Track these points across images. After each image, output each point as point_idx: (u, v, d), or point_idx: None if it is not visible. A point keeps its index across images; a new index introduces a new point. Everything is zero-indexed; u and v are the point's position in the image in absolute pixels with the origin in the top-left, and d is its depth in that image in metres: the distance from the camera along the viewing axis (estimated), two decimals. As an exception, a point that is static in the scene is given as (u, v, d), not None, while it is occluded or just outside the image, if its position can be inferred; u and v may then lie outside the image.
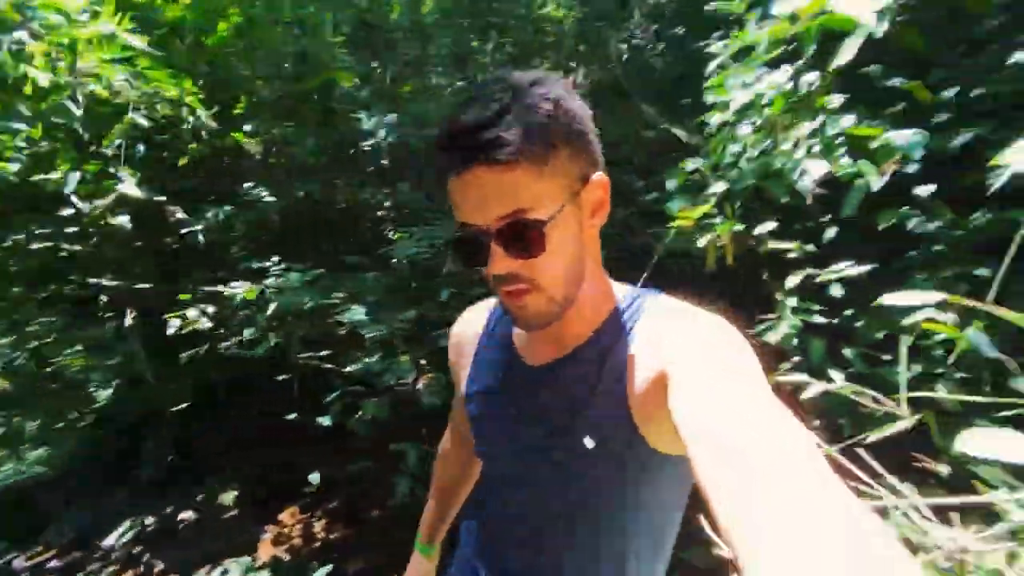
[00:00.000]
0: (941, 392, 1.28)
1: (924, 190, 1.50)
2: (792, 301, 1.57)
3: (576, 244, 0.61)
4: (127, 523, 3.09)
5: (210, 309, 2.14)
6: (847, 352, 1.54)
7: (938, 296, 0.85)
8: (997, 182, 1.09)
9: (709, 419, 0.47)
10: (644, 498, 0.66)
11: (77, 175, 1.95)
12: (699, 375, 0.52)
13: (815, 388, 1.10)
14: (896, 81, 1.53)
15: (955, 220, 1.52)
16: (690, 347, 0.56)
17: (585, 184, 0.60)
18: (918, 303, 0.96)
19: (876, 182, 1.25)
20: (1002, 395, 0.93)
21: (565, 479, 0.67)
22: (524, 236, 0.56)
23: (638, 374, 0.61)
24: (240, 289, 2.05)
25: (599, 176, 0.61)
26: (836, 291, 1.54)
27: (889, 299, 0.91)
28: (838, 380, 1.27)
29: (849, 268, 1.48)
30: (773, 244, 1.58)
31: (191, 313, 2.11)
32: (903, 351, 0.92)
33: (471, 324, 0.84)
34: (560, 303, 0.62)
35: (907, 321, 1.24)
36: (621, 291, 0.70)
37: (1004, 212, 1.42)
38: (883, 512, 0.80)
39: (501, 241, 0.57)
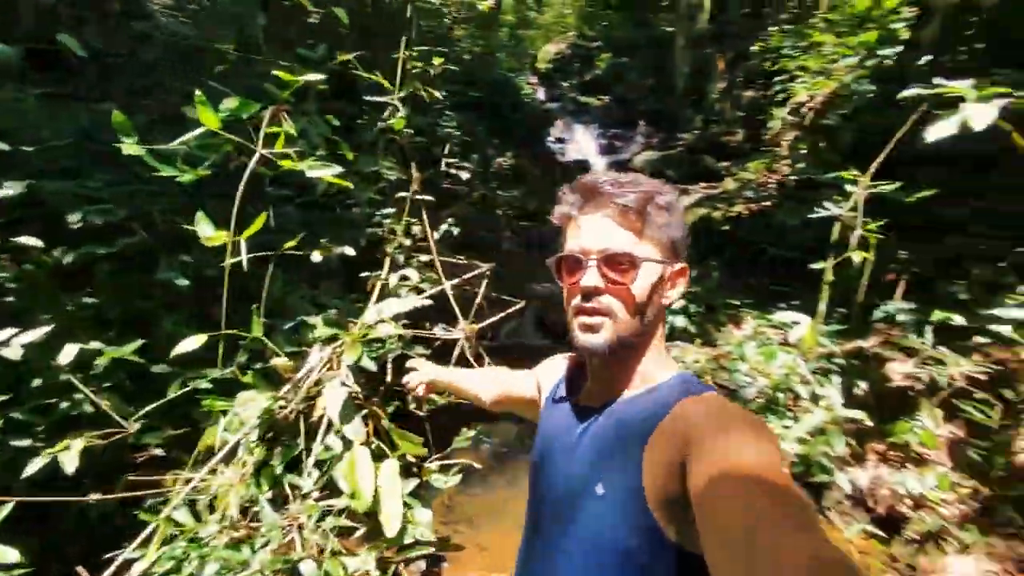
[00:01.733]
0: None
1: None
2: None
3: (650, 298, 0.74)
4: None
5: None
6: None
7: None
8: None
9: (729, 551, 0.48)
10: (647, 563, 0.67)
11: None
12: (713, 470, 0.55)
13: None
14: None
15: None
16: (716, 439, 0.59)
17: (671, 263, 0.76)
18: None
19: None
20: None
21: (577, 512, 0.73)
22: (618, 263, 0.72)
23: (660, 445, 0.66)
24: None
25: (683, 264, 0.78)
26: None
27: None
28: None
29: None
30: None
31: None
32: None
33: (555, 367, 1.00)
34: (622, 338, 0.73)
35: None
36: (675, 368, 0.79)
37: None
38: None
39: (600, 264, 0.73)
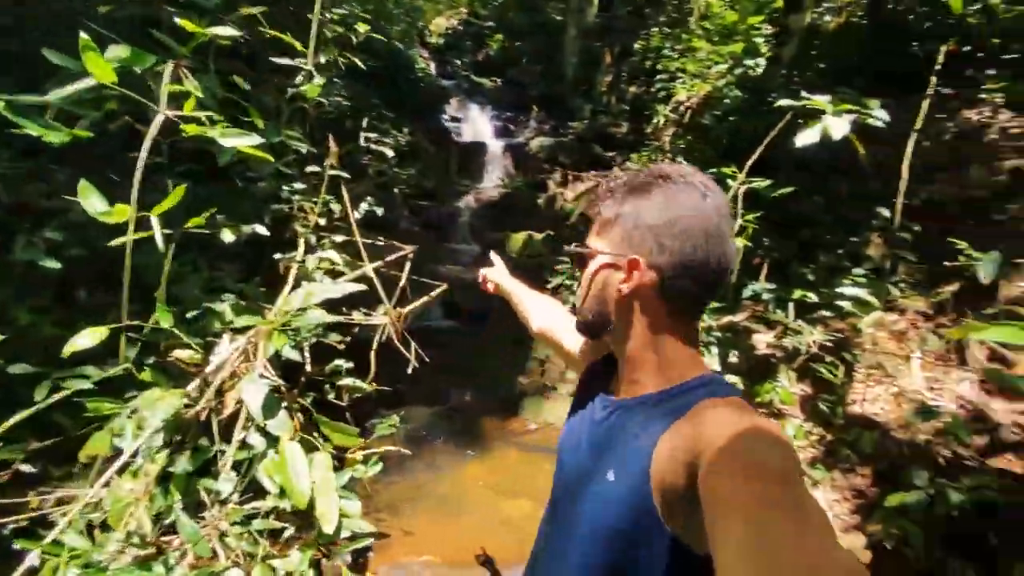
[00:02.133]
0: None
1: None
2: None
3: (598, 291, 0.79)
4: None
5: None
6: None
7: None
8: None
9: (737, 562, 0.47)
10: (651, 565, 0.68)
11: None
12: (726, 477, 0.54)
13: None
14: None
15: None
16: (727, 451, 0.57)
17: (625, 258, 0.75)
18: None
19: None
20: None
21: (587, 496, 0.76)
22: (579, 258, 0.82)
23: (673, 441, 0.66)
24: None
25: (632, 256, 0.74)
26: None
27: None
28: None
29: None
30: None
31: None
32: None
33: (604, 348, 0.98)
34: (584, 321, 0.83)
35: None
36: (699, 371, 0.76)
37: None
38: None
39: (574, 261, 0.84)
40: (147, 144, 1.43)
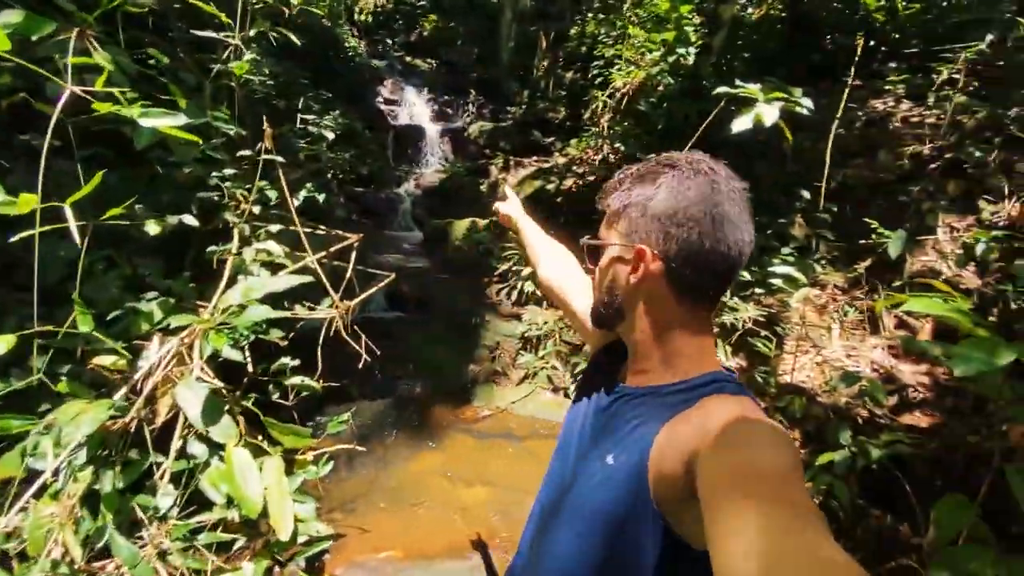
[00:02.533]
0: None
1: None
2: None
3: (611, 282, 0.79)
4: None
5: None
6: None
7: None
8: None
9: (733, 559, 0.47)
10: (642, 549, 0.68)
11: None
12: (723, 472, 0.54)
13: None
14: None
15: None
16: (727, 437, 0.57)
17: (634, 247, 0.74)
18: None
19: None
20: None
21: (587, 478, 0.77)
22: (590, 252, 0.84)
23: (673, 433, 0.66)
24: None
25: (639, 247, 0.74)
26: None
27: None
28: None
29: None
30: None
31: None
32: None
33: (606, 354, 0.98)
34: (595, 311, 0.84)
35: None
36: (710, 367, 0.75)
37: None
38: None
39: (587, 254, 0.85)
40: (52, 123, 1.25)
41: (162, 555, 1.50)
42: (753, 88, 2.80)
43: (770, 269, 3.16)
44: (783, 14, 6.04)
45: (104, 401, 1.46)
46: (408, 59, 12.91)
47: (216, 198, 2.31)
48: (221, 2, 2.11)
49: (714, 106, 3.35)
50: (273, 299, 2.24)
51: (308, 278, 1.74)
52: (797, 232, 3.71)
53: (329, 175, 7.50)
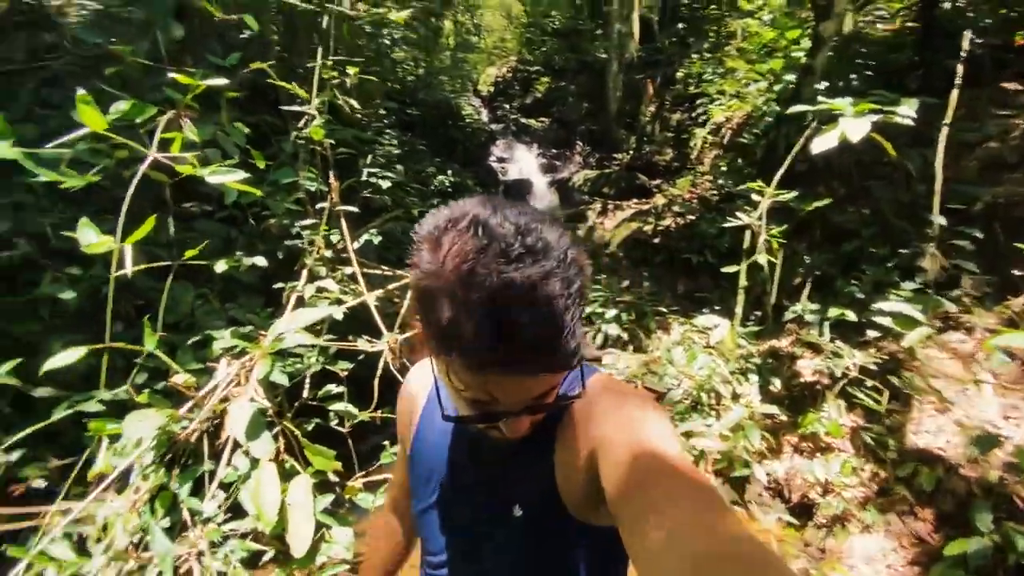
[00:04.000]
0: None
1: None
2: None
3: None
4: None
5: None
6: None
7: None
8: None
9: (642, 521, 0.47)
10: (579, 567, 0.68)
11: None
12: (628, 470, 0.53)
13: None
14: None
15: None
16: (617, 430, 0.58)
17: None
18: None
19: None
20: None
21: (499, 544, 0.70)
22: (547, 399, 0.60)
23: (566, 452, 0.64)
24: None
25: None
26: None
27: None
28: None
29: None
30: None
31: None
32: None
33: (421, 378, 0.86)
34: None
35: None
36: None
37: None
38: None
39: (529, 411, 0.59)
40: (135, 181, 1.59)
41: (199, 555, 1.67)
42: (839, 102, 2.50)
43: (877, 306, 2.64)
44: (915, 23, 5.33)
45: (165, 411, 1.72)
46: (523, 120, 13.78)
47: (300, 244, 2.65)
48: (306, 79, 2.52)
49: (813, 130, 3.04)
50: (339, 332, 2.47)
51: (336, 311, 1.90)
52: (928, 264, 3.08)
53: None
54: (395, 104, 8.36)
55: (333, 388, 2.18)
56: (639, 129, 10.17)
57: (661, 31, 11.65)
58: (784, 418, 3.12)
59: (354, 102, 2.40)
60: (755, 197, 3.22)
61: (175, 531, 1.75)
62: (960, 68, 2.79)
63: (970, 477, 2.31)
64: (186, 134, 1.86)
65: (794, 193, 2.99)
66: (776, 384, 3.26)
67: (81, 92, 1.51)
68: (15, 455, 1.88)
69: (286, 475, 1.84)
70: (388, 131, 8.51)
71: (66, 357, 1.40)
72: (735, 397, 3.31)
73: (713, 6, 8.97)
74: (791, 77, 5.34)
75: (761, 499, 2.95)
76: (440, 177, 8.33)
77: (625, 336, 4.45)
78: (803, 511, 2.74)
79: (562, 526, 0.66)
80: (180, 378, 1.91)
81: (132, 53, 2.70)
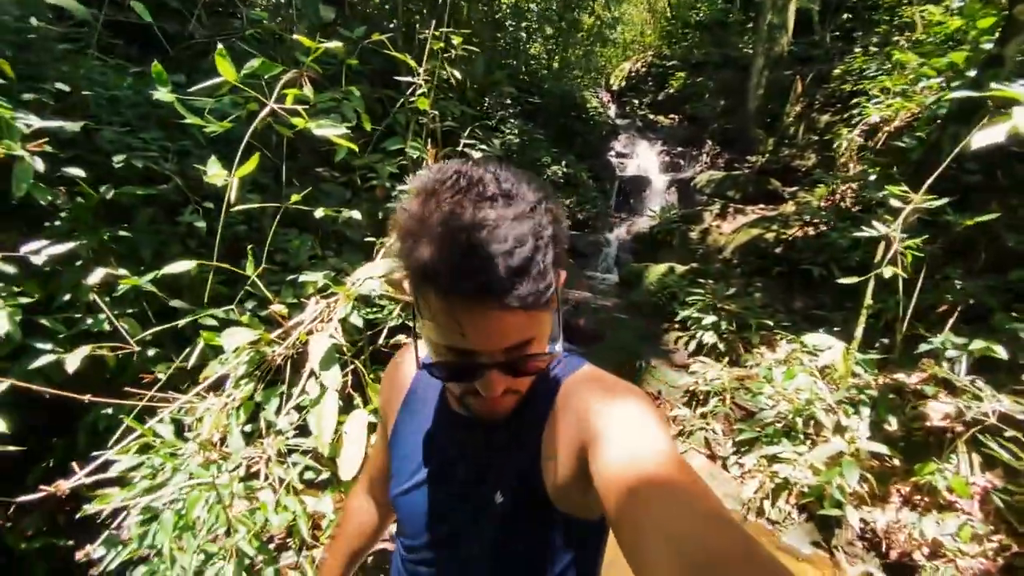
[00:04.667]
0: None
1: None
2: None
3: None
4: None
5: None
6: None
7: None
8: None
9: (634, 509, 0.48)
10: (556, 559, 0.68)
11: None
12: (620, 463, 0.53)
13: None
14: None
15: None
16: (611, 426, 0.57)
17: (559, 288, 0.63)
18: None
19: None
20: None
21: (479, 531, 0.69)
22: (529, 363, 0.60)
23: (553, 442, 0.64)
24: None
25: (563, 273, 0.64)
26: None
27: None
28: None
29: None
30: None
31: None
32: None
33: (405, 364, 0.87)
34: (521, 398, 0.66)
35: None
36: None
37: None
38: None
39: (503, 368, 0.59)
40: (254, 124, 1.82)
41: (267, 460, 1.90)
42: (1016, 89, 2.05)
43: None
44: None
45: (259, 331, 1.97)
46: (651, 116, 13.28)
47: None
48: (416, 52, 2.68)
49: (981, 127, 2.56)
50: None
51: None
52: None
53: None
54: (516, 92, 8.53)
55: (402, 338, 2.31)
56: (779, 130, 9.25)
57: (822, 24, 10.44)
58: (896, 463, 2.68)
59: (457, 73, 2.51)
60: (894, 203, 2.76)
61: (252, 437, 2.01)
62: None
63: None
64: (304, 92, 2.08)
65: (944, 200, 2.51)
66: (893, 423, 2.80)
67: (220, 47, 1.77)
68: (151, 352, 2.28)
69: (348, 407, 2.00)
70: (512, 120, 8.76)
71: (180, 266, 1.67)
72: (839, 429, 2.90)
73: (888, -6, 7.81)
74: (975, 73, 4.49)
75: (852, 548, 2.57)
76: (554, 167, 8.37)
77: (722, 346, 4.11)
78: (901, 572, 2.33)
79: (543, 516, 0.65)
80: (277, 307, 2.17)
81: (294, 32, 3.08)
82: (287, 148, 2.87)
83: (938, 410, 2.81)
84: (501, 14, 10.03)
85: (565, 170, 8.49)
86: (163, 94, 1.80)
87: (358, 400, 2.13)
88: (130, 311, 2.23)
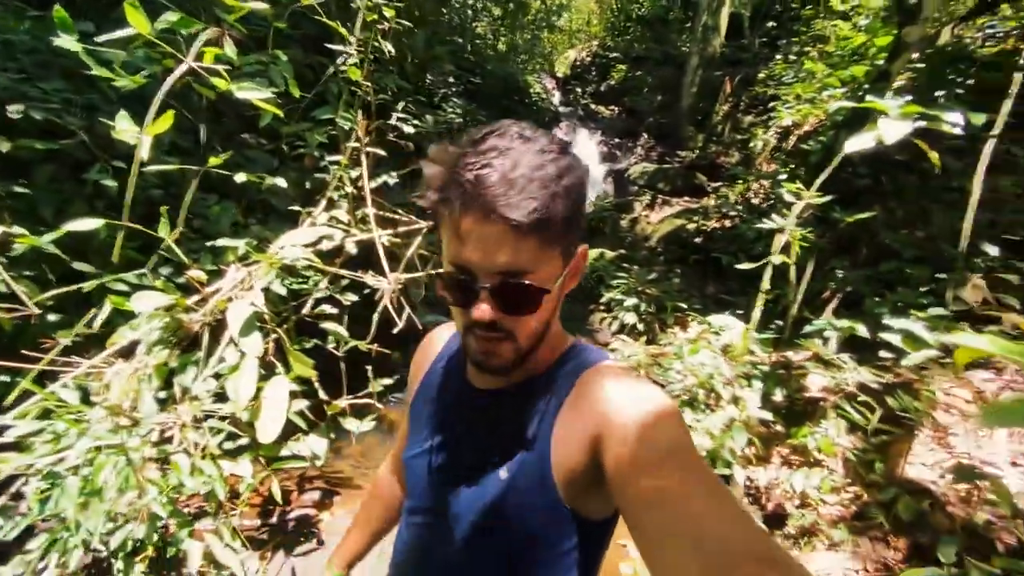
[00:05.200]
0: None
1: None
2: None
3: (555, 305, 0.67)
4: None
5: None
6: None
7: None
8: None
9: (652, 512, 0.49)
10: (551, 550, 0.67)
11: None
12: (638, 460, 0.53)
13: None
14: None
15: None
16: (629, 422, 0.57)
17: (575, 251, 0.66)
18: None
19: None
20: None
21: (480, 498, 0.69)
22: (521, 297, 0.60)
23: (566, 428, 0.64)
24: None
25: (584, 246, 0.67)
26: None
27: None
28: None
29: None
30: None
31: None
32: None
33: (437, 340, 0.90)
34: (524, 354, 0.66)
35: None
36: (569, 340, 0.76)
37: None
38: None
39: (496, 294, 0.60)
40: (168, 83, 1.77)
41: (182, 426, 1.88)
42: (884, 102, 2.35)
43: (885, 321, 2.48)
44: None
45: (173, 295, 1.93)
46: (592, 106, 13.58)
47: (326, 178, 2.82)
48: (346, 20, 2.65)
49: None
50: (352, 265, 2.62)
51: (329, 232, 2.03)
52: (969, 295, 2.86)
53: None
54: (457, 70, 8.46)
55: (328, 308, 2.33)
56: (709, 128, 9.79)
57: (751, 29, 11.07)
58: (779, 428, 3.03)
59: (390, 46, 2.51)
60: (789, 199, 3.08)
61: (167, 404, 1.97)
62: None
63: (957, 516, 2.18)
64: (226, 52, 2.02)
65: (828, 198, 2.84)
66: (779, 394, 3.16)
67: (133, -2, 1.69)
68: (53, 317, 2.16)
69: (269, 374, 2.01)
70: (454, 99, 8.70)
71: (84, 224, 1.61)
72: (735, 400, 3.23)
73: (809, 6, 8.42)
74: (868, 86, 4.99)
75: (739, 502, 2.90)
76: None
77: (641, 327, 4.41)
78: (776, 521, 2.67)
79: (546, 504, 0.64)
80: (195, 272, 2.12)
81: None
82: (210, 111, 2.76)
83: (816, 383, 3.20)
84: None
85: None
86: (66, 41, 1.70)
87: (280, 369, 2.14)
88: (29, 273, 2.10)
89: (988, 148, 2.21)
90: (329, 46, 2.57)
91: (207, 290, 2.13)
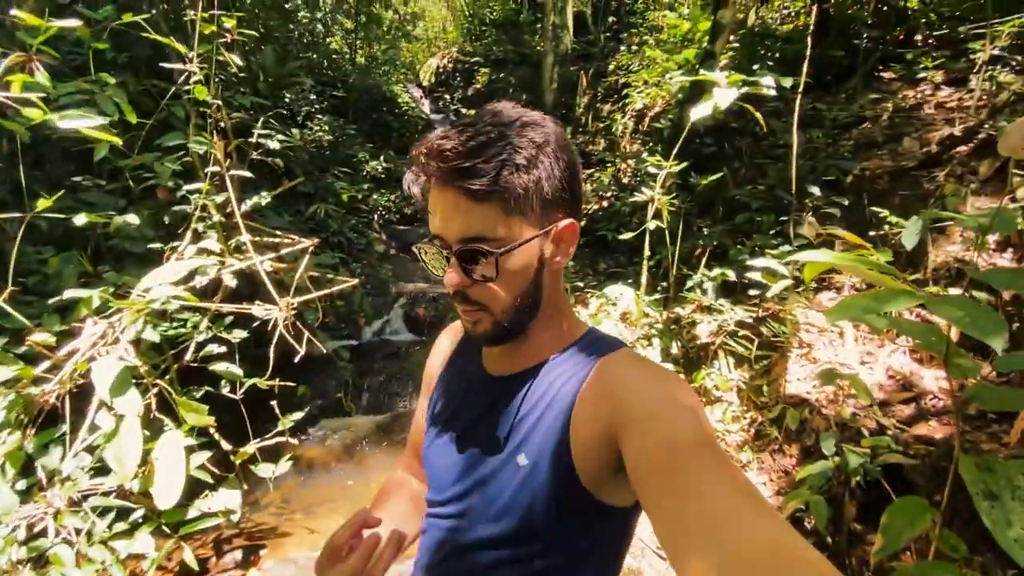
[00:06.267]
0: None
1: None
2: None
3: (532, 278, 0.65)
4: None
5: None
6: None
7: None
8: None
9: (672, 501, 0.48)
10: (574, 538, 0.65)
11: None
12: (658, 449, 0.52)
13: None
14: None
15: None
16: (648, 410, 0.57)
17: (555, 226, 0.65)
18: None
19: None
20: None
21: (499, 485, 0.67)
22: (477, 261, 0.61)
23: (586, 412, 0.63)
24: None
25: (570, 221, 0.66)
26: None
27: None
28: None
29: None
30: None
31: None
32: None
33: (453, 332, 0.90)
34: (509, 328, 0.66)
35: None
36: (584, 327, 0.74)
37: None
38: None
39: (459, 260, 0.62)
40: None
41: (56, 514, 1.61)
42: (713, 75, 2.68)
43: (748, 262, 2.87)
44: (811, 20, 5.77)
45: (17, 367, 1.64)
46: (463, 110, 13.76)
47: (189, 209, 2.56)
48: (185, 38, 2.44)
49: (720, 111, 3.21)
50: (236, 298, 2.41)
51: (200, 264, 1.86)
52: (806, 231, 3.37)
53: (374, 215, 8.08)
54: (315, 85, 8.14)
55: (215, 348, 2.13)
56: (573, 120, 10.39)
57: (595, 25, 11.95)
58: (683, 376, 3.33)
59: (237, 59, 2.35)
60: (652, 170, 3.39)
61: (31, 493, 1.67)
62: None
63: (829, 416, 2.55)
64: (38, 80, 1.76)
65: (683, 165, 3.18)
66: (675, 347, 3.46)
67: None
68: None
69: (159, 432, 1.79)
70: (319, 115, 8.32)
71: None
72: (640, 361, 3.49)
73: (640, 1, 9.30)
74: (698, 66, 5.64)
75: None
76: (373, 163, 8.21)
77: (546, 311, 4.57)
78: (693, 459, 2.93)
79: (567, 490, 0.63)
80: (38, 336, 1.82)
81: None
82: (28, 156, 2.39)
83: (703, 330, 3.56)
84: (291, 3, 9.38)
85: (385, 165, 8.39)
86: None
87: (169, 424, 1.92)
88: None
89: (796, 105, 2.65)
90: (165, 65, 2.33)
91: (59, 354, 1.84)
